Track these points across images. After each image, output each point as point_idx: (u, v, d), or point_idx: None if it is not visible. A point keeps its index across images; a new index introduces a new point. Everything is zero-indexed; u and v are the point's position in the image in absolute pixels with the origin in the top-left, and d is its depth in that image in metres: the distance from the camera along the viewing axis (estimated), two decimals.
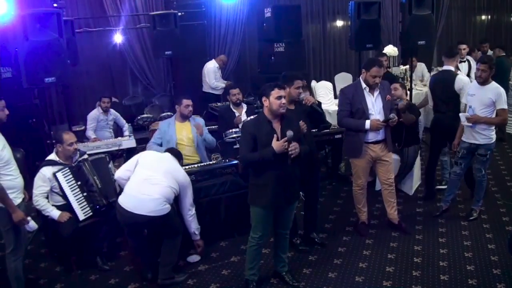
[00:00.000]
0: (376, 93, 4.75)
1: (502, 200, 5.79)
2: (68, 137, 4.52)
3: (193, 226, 4.48)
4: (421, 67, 9.85)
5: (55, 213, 4.41)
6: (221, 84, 9.04)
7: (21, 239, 3.98)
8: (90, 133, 6.91)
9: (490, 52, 8.93)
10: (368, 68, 4.67)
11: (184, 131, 5.40)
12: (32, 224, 3.92)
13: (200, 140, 5.45)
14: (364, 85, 4.73)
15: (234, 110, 6.17)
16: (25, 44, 4.90)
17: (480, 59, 5.10)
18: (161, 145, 5.31)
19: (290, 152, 3.66)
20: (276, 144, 3.69)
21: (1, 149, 3.78)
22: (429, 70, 10.43)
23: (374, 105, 4.73)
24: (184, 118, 5.41)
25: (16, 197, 3.86)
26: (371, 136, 4.79)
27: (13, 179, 3.85)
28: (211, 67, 9.06)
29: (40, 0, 6.82)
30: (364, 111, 4.71)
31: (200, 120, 5.64)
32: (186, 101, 5.35)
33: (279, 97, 3.74)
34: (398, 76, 9.12)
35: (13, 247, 3.93)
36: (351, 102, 4.75)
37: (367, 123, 4.68)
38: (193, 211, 4.46)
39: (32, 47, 4.90)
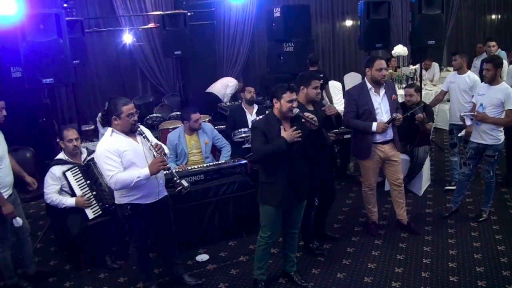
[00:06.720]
0: (382, 93, 4.72)
1: None
2: (68, 133, 4.56)
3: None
4: (434, 67, 9.84)
5: (71, 201, 4.44)
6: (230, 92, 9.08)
7: (7, 231, 4.11)
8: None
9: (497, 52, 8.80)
10: (371, 64, 4.64)
11: (194, 142, 5.48)
12: (19, 219, 4.06)
13: (208, 149, 5.53)
14: (369, 86, 4.70)
15: (246, 110, 6.18)
16: (23, 45, 4.90)
17: (485, 58, 5.03)
18: (176, 156, 5.43)
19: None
20: (286, 134, 3.67)
21: None
22: (439, 70, 10.39)
23: (381, 105, 4.71)
24: (194, 131, 5.47)
25: (5, 193, 3.99)
26: (379, 137, 4.75)
27: (3, 177, 4.01)
28: (233, 85, 9.05)
29: (50, 0, 6.85)
30: (371, 112, 4.68)
31: (208, 127, 5.66)
32: (195, 116, 5.36)
33: (291, 101, 3.72)
34: (408, 76, 9.11)
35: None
36: (357, 103, 4.72)
37: (374, 126, 4.65)
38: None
39: (29, 48, 4.88)
